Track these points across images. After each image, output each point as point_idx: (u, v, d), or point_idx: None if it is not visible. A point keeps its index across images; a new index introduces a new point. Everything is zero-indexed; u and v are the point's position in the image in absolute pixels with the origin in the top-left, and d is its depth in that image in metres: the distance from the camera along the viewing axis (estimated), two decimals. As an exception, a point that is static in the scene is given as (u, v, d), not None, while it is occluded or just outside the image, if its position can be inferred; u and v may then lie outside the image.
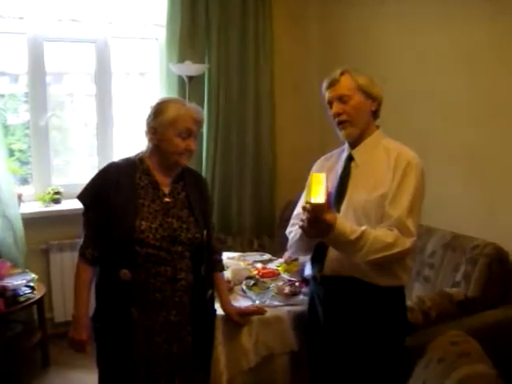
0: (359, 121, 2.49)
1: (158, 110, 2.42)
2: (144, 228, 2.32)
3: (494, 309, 3.21)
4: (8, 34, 4.39)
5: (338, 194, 2.51)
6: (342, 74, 2.49)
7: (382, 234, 2.31)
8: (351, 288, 2.47)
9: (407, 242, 2.32)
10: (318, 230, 2.24)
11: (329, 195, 2.21)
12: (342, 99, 2.47)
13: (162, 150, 2.42)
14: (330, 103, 2.52)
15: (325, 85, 2.53)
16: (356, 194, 2.46)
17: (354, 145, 2.54)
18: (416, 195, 2.37)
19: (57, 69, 4.76)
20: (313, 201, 2.14)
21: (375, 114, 2.55)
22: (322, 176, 2.16)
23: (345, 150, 2.61)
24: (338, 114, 2.49)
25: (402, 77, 4.06)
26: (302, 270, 3.09)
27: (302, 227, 2.27)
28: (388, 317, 2.50)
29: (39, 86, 4.47)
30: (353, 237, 2.27)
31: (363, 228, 2.31)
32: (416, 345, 2.47)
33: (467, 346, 2.01)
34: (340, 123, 2.50)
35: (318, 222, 2.19)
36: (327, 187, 2.17)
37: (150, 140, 2.44)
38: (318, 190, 2.15)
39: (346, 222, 2.32)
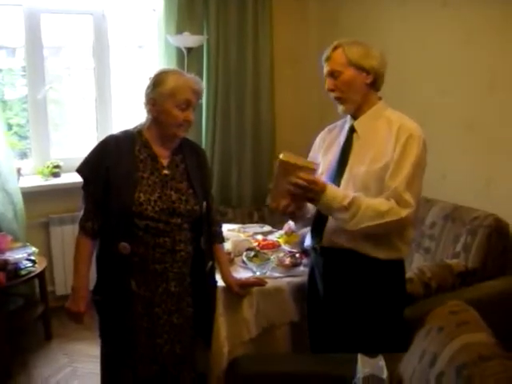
0: (352, 96, 2.47)
1: (157, 81, 2.40)
2: (143, 200, 2.32)
3: (493, 279, 3.23)
4: (3, 6, 4.34)
5: (340, 166, 2.51)
6: (334, 48, 2.47)
7: (377, 203, 2.33)
8: (350, 260, 2.48)
9: (402, 212, 2.31)
10: (311, 195, 2.31)
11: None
12: (333, 75, 2.46)
13: (160, 122, 2.40)
14: (326, 77, 2.52)
15: (322, 58, 2.53)
16: (356, 166, 2.45)
17: (356, 116, 2.53)
18: (416, 167, 2.36)
19: (54, 42, 4.72)
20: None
21: (374, 86, 2.51)
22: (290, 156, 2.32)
23: (347, 121, 2.60)
24: (330, 90, 2.49)
25: (401, 51, 4.03)
26: (302, 242, 3.08)
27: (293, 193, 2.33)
28: (387, 289, 2.52)
29: (36, 59, 4.43)
30: (345, 202, 2.30)
31: (356, 194, 2.33)
32: (416, 315, 2.48)
33: (466, 315, 2.01)
34: (335, 98, 2.51)
35: (308, 186, 2.28)
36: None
37: (149, 111, 2.42)
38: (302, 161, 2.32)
39: (337, 188, 2.38)
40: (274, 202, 2.42)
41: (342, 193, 2.34)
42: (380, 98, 2.56)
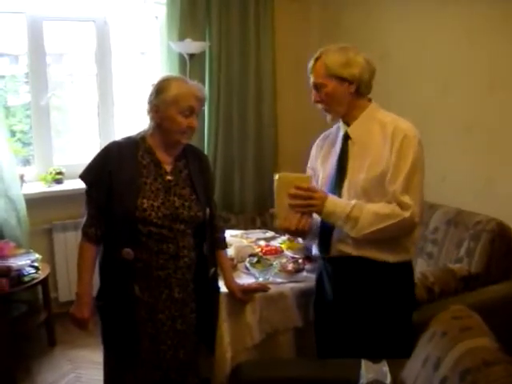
0: (335, 107, 2.47)
1: (160, 88, 2.40)
2: (146, 206, 2.32)
3: (496, 284, 3.22)
4: (6, 14, 4.35)
5: (339, 175, 2.50)
6: (316, 59, 2.46)
7: (378, 206, 2.33)
8: (359, 267, 2.47)
9: (405, 214, 2.31)
10: (312, 205, 2.35)
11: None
12: (316, 87, 2.47)
13: (164, 129, 2.40)
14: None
15: (308, 70, 2.53)
16: (355, 174, 2.44)
17: (348, 122, 2.52)
18: (414, 168, 2.34)
19: (57, 49, 4.74)
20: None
21: (359, 93, 2.47)
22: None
23: (340, 127, 2.59)
24: (315, 102, 2.50)
25: (402, 52, 4.05)
26: (306, 248, 3.09)
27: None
28: (397, 292, 2.52)
29: (39, 66, 4.44)
30: (347, 209, 2.31)
31: (357, 201, 2.35)
32: (420, 320, 2.48)
33: (469, 320, 2.02)
34: (322, 109, 2.52)
35: (308, 196, 2.32)
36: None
37: (152, 118, 2.43)
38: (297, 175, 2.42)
39: (338, 198, 2.40)
40: (285, 222, 2.40)
41: (343, 201, 2.37)
42: (370, 100, 2.53)
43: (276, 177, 2.38)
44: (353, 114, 2.49)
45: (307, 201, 2.34)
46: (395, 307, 2.51)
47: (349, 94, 2.44)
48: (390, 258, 2.43)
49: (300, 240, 3.20)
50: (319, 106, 2.51)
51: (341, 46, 2.48)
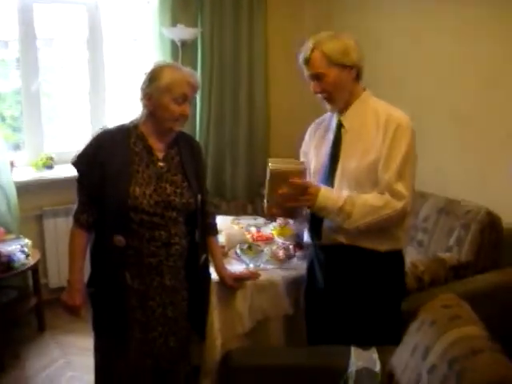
0: (340, 95, 2.46)
1: (153, 76, 2.38)
2: (138, 194, 2.31)
3: (486, 273, 3.24)
4: (-3, -2, 4.31)
5: (332, 162, 2.50)
6: (312, 50, 2.42)
7: (371, 198, 2.33)
8: (350, 255, 2.48)
9: (398, 205, 2.32)
10: (305, 199, 2.33)
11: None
12: (317, 77, 2.44)
13: (157, 116, 2.39)
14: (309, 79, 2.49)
15: (300, 60, 2.49)
16: (348, 162, 2.44)
17: (341, 110, 2.52)
18: (407, 157, 2.35)
19: (47, 34, 4.70)
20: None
21: (357, 78, 2.49)
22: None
23: (334, 115, 2.58)
24: (317, 93, 2.47)
25: (397, 46, 4.04)
26: (297, 234, 3.09)
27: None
28: (388, 280, 2.53)
29: (30, 51, 4.41)
30: (340, 202, 2.31)
31: (349, 194, 2.34)
32: (409, 309, 2.49)
33: (459, 309, 2.03)
34: (323, 99, 2.49)
35: (301, 190, 2.30)
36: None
37: (145, 106, 2.41)
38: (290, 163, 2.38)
39: (330, 189, 2.38)
40: (272, 210, 2.45)
41: (335, 194, 2.36)
42: (364, 89, 2.53)
43: (269, 167, 2.35)
44: (348, 102, 2.49)
45: (299, 197, 2.34)
46: (385, 295, 2.52)
47: (351, 80, 2.45)
48: (380, 246, 2.44)
49: (291, 223, 3.21)
50: (320, 96, 2.48)
51: (329, 33, 2.46)
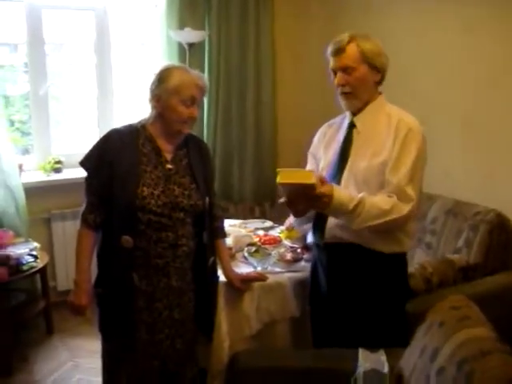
0: (362, 93, 2.46)
1: (162, 77, 2.39)
2: (146, 194, 2.32)
3: (495, 274, 3.23)
4: (5, 2, 4.34)
5: (340, 161, 2.51)
6: (348, 42, 2.41)
7: (379, 201, 2.32)
8: (353, 254, 2.48)
9: (405, 209, 2.32)
10: (317, 205, 2.30)
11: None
12: (346, 70, 2.43)
13: (165, 118, 2.40)
14: (334, 71, 2.49)
15: (330, 50, 2.47)
16: (357, 162, 2.45)
17: (355, 111, 2.53)
18: (417, 162, 2.36)
19: (56, 39, 4.72)
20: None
21: (378, 83, 2.51)
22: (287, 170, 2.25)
23: (346, 117, 2.59)
24: (341, 85, 2.46)
25: (403, 47, 4.02)
26: (304, 237, 3.08)
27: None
28: (390, 282, 2.53)
29: (38, 55, 4.43)
30: (351, 206, 2.28)
31: (361, 195, 2.32)
32: (418, 310, 2.48)
33: (467, 310, 2.01)
34: (343, 93, 2.48)
35: (314, 199, 2.24)
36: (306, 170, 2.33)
37: (154, 107, 2.42)
38: (300, 175, 2.24)
39: (342, 191, 2.33)
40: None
41: (347, 197, 2.30)
42: (380, 93, 2.55)
43: (277, 180, 2.24)
44: (365, 102, 2.50)
45: (313, 204, 2.32)
46: (388, 298, 2.52)
47: (374, 83, 2.48)
48: (384, 248, 2.44)
49: (292, 219, 3.19)
50: (342, 89, 2.46)
51: (364, 33, 2.47)
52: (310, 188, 2.21)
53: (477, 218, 3.31)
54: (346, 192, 2.34)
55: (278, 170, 2.25)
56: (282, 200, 2.39)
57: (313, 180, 2.21)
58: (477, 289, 3.04)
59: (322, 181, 2.27)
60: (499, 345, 1.74)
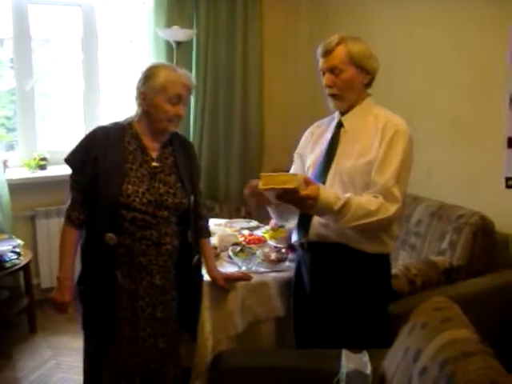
0: (349, 95, 2.47)
1: (148, 75, 2.39)
2: (130, 192, 2.31)
3: (478, 277, 3.24)
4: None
5: (326, 160, 2.52)
6: (337, 43, 2.42)
7: (366, 201, 2.32)
8: (337, 254, 2.49)
9: (391, 210, 2.32)
10: (303, 207, 2.29)
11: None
12: (333, 71, 2.44)
13: (151, 116, 2.39)
14: (323, 72, 2.50)
15: (319, 51, 2.48)
16: (342, 161, 2.46)
17: (344, 111, 2.54)
18: (403, 163, 2.37)
19: (42, 34, 4.69)
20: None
21: (367, 85, 2.53)
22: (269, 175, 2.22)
23: (335, 118, 2.60)
24: (328, 86, 2.47)
25: (389, 46, 4.03)
26: (289, 237, 3.08)
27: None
28: (373, 283, 2.53)
29: (24, 51, 4.40)
30: (336, 207, 2.27)
31: (347, 196, 2.31)
32: (401, 312, 2.50)
33: (450, 312, 2.03)
34: (330, 94, 2.49)
35: (298, 201, 2.23)
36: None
37: (140, 105, 2.42)
38: (282, 179, 2.19)
39: (328, 191, 2.31)
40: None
41: (333, 197, 2.28)
42: (369, 95, 2.56)
43: (260, 185, 2.22)
44: (353, 103, 2.51)
45: (298, 204, 2.30)
46: (371, 298, 2.53)
47: (362, 85, 2.49)
48: (367, 248, 2.45)
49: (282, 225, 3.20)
50: (329, 91, 2.47)
51: (354, 36, 2.48)
52: (292, 191, 2.20)
53: (461, 220, 3.32)
54: (331, 192, 2.33)
55: (261, 174, 2.24)
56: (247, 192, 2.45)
57: (295, 184, 2.18)
58: (460, 291, 3.05)
59: (307, 182, 2.26)
60: (481, 346, 1.75)
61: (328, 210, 2.29)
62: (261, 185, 2.22)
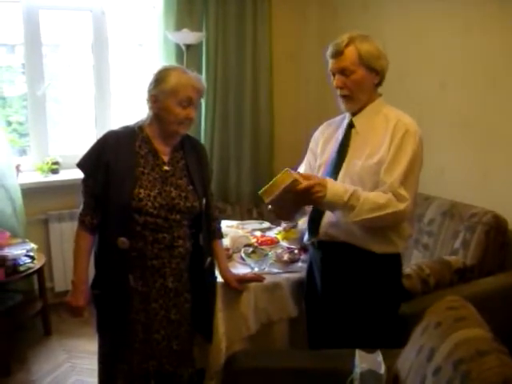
0: (360, 95, 2.47)
1: (160, 78, 2.39)
2: (142, 196, 2.32)
3: (491, 276, 3.23)
4: (2, 3, 4.33)
5: (337, 160, 2.52)
6: (347, 45, 2.41)
7: (374, 196, 2.33)
8: (346, 253, 2.50)
9: (400, 205, 2.32)
10: (314, 199, 2.29)
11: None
12: (343, 72, 2.43)
13: (162, 119, 2.40)
14: (333, 73, 2.49)
15: (329, 52, 2.48)
16: (353, 161, 2.47)
17: (355, 112, 2.54)
18: (412, 163, 2.37)
19: (53, 39, 4.71)
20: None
21: (377, 85, 2.52)
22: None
23: (346, 117, 2.61)
24: (339, 87, 2.47)
25: (400, 47, 4.03)
26: (301, 238, 3.09)
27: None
28: (384, 283, 2.54)
29: (36, 56, 4.42)
30: (346, 197, 2.28)
31: (355, 187, 2.32)
32: (414, 311, 2.49)
33: (464, 310, 2.02)
34: (341, 96, 2.49)
35: (304, 193, 2.25)
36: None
37: (151, 108, 2.42)
38: (278, 181, 2.24)
39: (337, 183, 2.35)
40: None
41: (341, 188, 2.32)
42: (380, 95, 2.56)
43: (266, 201, 2.30)
44: (364, 104, 2.51)
45: (307, 199, 2.31)
46: (382, 298, 2.53)
47: (372, 85, 2.48)
48: (375, 248, 2.45)
49: (292, 226, 3.22)
50: (340, 92, 2.48)
51: (363, 34, 2.47)
52: (294, 185, 2.22)
53: (473, 219, 3.31)
54: (339, 184, 2.36)
55: (260, 192, 2.29)
56: (270, 208, 2.42)
57: (293, 176, 2.22)
58: (473, 290, 3.04)
59: (305, 176, 2.29)
60: (496, 345, 1.74)
61: (337, 201, 2.29)
62: (266, 199, 2.28)
